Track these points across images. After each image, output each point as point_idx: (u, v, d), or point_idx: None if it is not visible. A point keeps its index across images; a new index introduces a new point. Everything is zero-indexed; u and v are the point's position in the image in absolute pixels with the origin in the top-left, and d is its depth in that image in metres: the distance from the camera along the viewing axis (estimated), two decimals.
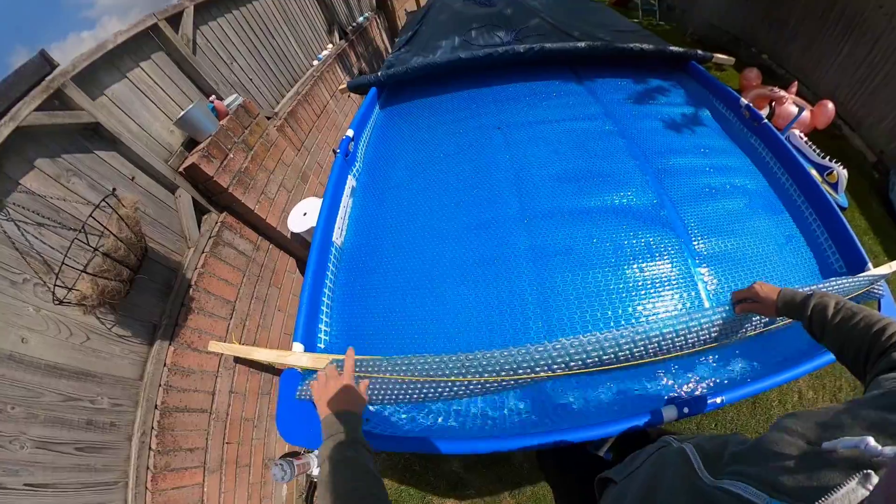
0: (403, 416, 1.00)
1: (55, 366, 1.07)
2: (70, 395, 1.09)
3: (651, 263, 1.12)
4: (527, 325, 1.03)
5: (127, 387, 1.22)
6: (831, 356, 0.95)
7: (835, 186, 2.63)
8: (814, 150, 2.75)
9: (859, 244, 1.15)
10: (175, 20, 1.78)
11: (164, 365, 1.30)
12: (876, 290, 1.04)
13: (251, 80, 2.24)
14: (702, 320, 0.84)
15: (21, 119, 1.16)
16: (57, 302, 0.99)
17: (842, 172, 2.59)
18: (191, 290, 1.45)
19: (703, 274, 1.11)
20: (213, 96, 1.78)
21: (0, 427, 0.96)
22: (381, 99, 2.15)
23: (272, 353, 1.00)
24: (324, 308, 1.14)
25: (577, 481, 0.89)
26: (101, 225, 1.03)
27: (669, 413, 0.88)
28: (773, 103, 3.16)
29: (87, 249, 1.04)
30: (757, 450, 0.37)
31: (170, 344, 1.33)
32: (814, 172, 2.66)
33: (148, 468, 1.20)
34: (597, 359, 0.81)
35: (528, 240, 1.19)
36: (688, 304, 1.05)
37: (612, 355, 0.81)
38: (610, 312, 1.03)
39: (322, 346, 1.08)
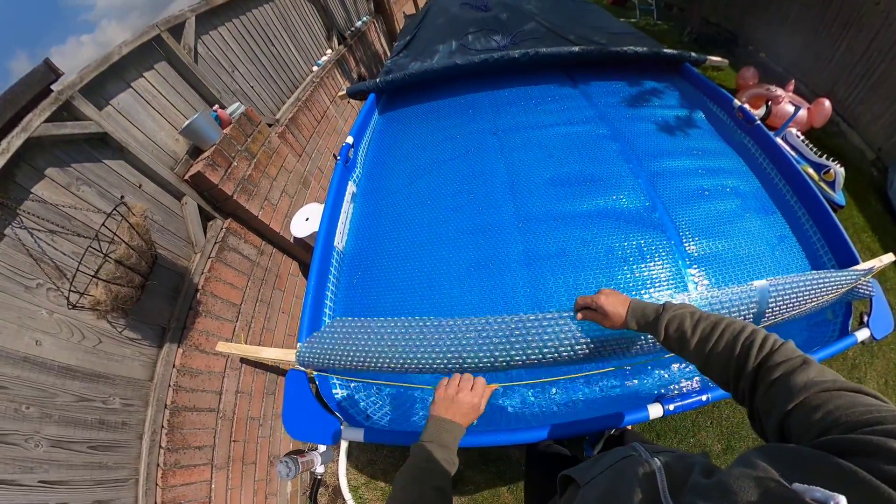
0: (398, 412, 1.04)
1: (68, 367, 1.10)
2: (83, 396, 1.12)
3: (642, 265, 1.13)
4: None
5: (138, 387, 1.26)
6: (839, 348, 0.98)
7: (832, 185, 2.60)
8: (811, 149, 2.73)
9: (851, 243, 1.14)
10: (177, 30, 1.81)
11: (173, 366, 1.33)
12: (864, 289, 1.01)
13: (252, 87, 2.27)
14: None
15: (32, 130, 1.19)
16: (71, 307, 1.02)
17: (839, 171, 2.56)
18: (198, 293, 1.49)
19: (694, 275, 1.12)
20: (217, 105, 1.80)
21: (15, 426, 0.99)
22: (380, 104, 2.17)
23: (278, 351, 1.04)
24: (326, 311, 1.18)
25: (543, 475, 0.88)
26: (113, 233, 1.06)
27: (655, 411, 0.87)
28: (770, 102, 3.13)
29: (98, 256, 1.07)
30: (719, 488, 0.33)
31: (178, 346, 1.37)
32: (811, 171, 2.66)
33: (158, 465, 1.24)
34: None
35: (523, 243, 1.22)
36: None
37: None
38: None
39: None
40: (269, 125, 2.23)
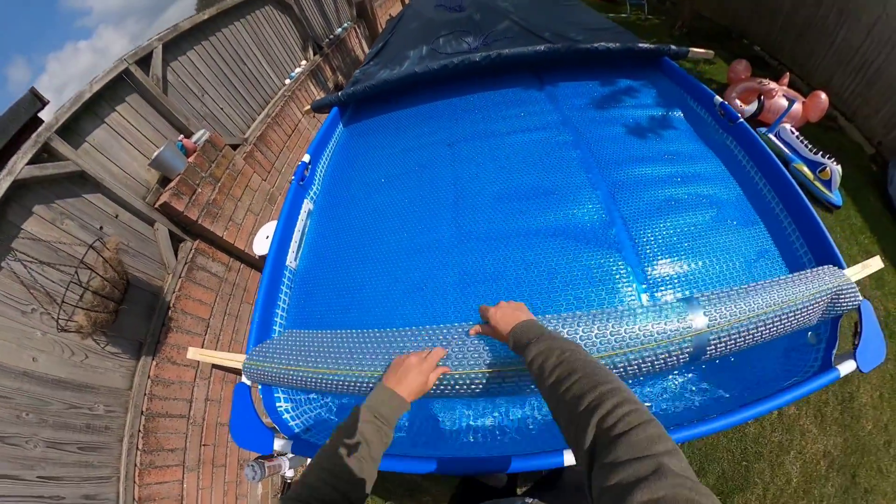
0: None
1: (60, 380, 1.40)
2: (73, 404, 1.42)
3: (590, 290, 1.09)
4: None
5: (118, 395, 1.56)
6: (817, 385, 0.89)
7: (828, 184, 2.62)
8: (805, 146, 2.77)
9: (841, 258, 1.07)
10: (145, 61, 2.08)
11: (149, 377, 1.63)
12: (845, 302, 0.91)
13: (222, 109, 2.55)
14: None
15: (17, 173, 1.47)
16: (60, 330, 1.32)
17: (835, 168, 2.57)
18: (170, 311, 1.78)
19: (653, 300, 1.06)
20: (182, 136, 2.09)
21: (18, 430, 1.28)
22: (345, 117, 2.22)
23: (230, 355, 1.27)
24: (275, 328, 1.42)
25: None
26: (90, 268, 1.35)
27: (570, 458, 0.83)
28: (763, 96, 3.18)
29: (80, 285, 1.36)
30: None
31: (153, 359, 1.66)
32: (806, 170, 2.74)
33: (135, 465, 1.53)
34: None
35: (459, 265, 1.25)
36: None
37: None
38: None
39: None
40: (237, 146, 2.51)
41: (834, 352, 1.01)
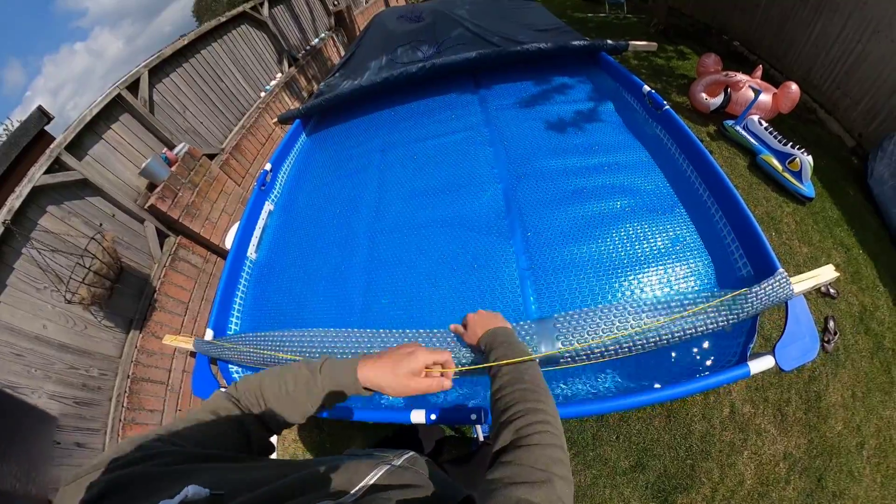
0: None
1: (64, 344, 1.89)
2: (73, 365, 1.91)
3: (472, 274, 1.25)
4: (352, 324, 1.33)
5: (110, 361, 2.04)
6: (723, 379, 0.89)
7: (798, 175, 2.69)
8: (774, 137, 2.88)
9: (768, 245, 1.09)
10: (134, 86, 2.63)
11: (135, 347, 2.12)
12: (774, 291, 0.87)
13: (202, 122, 3.10)
14: None
15: (35, 181, 2.00)
16: (67, 302, 1.82)
17: (805, 159, 2.64)
18: (155, 294, 2.28)
19: (534, 284, 1.16)
20: (166, 148, 2.63)
21: (27, 382, 1.76)
22: (308, 127, 2.62)
23: (189, 340, 1.54)
24: (236, 306, 1.88)
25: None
26: (92, 255, 1.86)
27: (417, 416, 0.94)
28: (729, 89, 3.28)
29: (83, 268, 1.87)
30: None
31: (140, 332, 2.15)
32: (774, 161, 2.83)
33: (120, 420, 2.00)
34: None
35: (369, 252, 1.53)
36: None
37: None
38: (421, 318, 1.21)
39: (231, 333, 1.67)
40: (214, 155, 3.05)
41: (751, 346, 0.99)
